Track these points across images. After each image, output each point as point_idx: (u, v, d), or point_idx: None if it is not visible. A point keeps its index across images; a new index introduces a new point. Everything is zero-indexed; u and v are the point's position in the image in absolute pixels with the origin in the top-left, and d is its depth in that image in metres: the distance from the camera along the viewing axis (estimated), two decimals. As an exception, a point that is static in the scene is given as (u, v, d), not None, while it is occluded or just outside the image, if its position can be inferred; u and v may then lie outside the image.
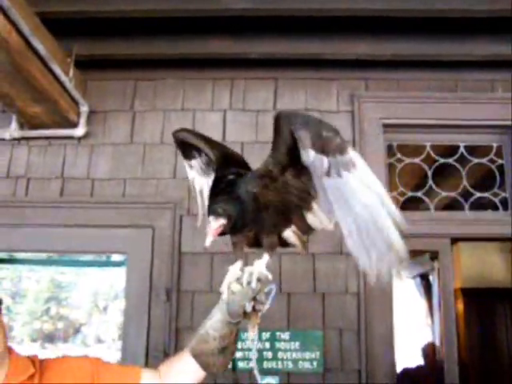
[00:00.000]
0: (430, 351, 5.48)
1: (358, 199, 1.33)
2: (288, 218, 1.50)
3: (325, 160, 1.34)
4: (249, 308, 1.40)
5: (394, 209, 1.33)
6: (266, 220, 1.45)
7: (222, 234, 1.40)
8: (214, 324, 1.45)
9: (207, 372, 1.46)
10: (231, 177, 1.49)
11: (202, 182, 1.90)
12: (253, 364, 1.51)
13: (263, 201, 1.43)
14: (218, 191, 1.46)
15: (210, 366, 1.45)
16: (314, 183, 1.43)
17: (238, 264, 1.53)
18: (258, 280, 1.43)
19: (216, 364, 1.45)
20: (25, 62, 2.45)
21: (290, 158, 1.44)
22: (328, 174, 1.34)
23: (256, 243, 1.52)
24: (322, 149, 1.34)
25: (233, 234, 1.48)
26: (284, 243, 1.55)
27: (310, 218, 1.52)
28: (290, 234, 1.50)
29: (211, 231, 1.37)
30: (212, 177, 1.67)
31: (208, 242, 1.38)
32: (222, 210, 1.39)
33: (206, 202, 1.80)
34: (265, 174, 1.46)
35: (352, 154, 1.34)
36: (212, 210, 1.39)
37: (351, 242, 1.35)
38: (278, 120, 1.40)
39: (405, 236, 1.32)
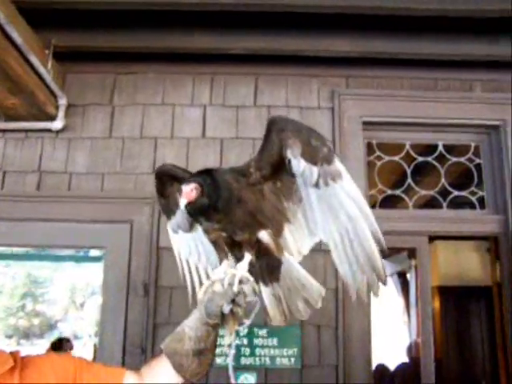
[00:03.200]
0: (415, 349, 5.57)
1: (343, 210, 1.39)
2: (260, 222, 1.49)
3: (314, 170, 1.39)
4: (226, 309, 1.40)
5: (376, 226, 1.38)
6: (238, 216, 1.45)
7: (196, 203, 1.39)
8: (190, 323, 1.43)
9: (180, 374, 1.41)
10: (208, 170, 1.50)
11: (188, 241, 1.82)
12: (230, 372, 1.49)
13: (237, 194, 1.44)
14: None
15: (183, 368, 1.40)
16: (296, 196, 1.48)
17: (223, 266, 1.52)
18: (240, 282, 1.43)
19: (190, 367, 1.40)
20: (1, 52, 2.40)
21: (272, 169, 1.46)
22: (317, 184, 1.40)
23: (233, 244, 1.51)
24: (311, 158, 1.39)
25: (205, 219, 1.47)
26: (261, 250, 1.52)
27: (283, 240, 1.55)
28: (264, 234, 1.49)
29: (184, 194, 1.38)
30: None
31: (182, 204, 1.39)
32: (193, 178, 1.42)
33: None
34: (243, 172, 1.47)
35: (338, 164, 1.39)
36: (183, 182, 1.42)
37: (336, 255, 1.44)
38: (270, 126, 1.43)
39: (385, 256, 1.38)
